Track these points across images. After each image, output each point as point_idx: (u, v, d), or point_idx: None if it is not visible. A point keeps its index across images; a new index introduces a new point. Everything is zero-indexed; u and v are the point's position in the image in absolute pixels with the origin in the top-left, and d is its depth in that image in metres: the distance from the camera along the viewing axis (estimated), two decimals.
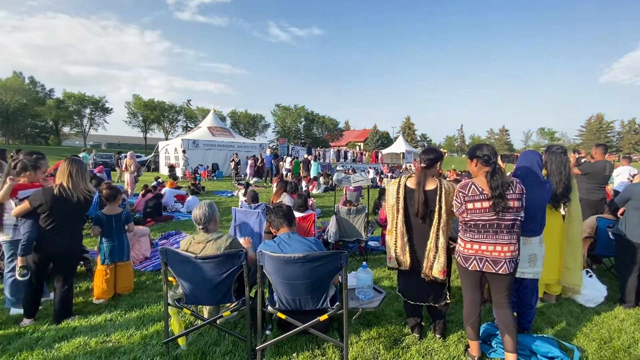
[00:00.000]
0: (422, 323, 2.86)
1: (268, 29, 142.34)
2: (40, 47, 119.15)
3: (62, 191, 2.89)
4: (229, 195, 12.12)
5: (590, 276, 3.60)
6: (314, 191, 13.10)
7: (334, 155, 26.31)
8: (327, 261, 2.25)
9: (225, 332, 2.74)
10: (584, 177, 4.98)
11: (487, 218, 2.25)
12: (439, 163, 2.64)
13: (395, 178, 2.83)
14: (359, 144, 60.87)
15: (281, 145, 26.43)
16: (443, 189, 2.50)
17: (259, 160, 17.84)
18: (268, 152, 20.14)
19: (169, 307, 2.55)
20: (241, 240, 2.95)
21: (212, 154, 19.85)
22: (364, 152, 32.47)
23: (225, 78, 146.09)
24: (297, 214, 4.40)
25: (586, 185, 4.93)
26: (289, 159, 19.73)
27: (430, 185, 2.55)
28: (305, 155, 20.35)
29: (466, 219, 2.32)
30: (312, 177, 14.78)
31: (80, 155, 16.47)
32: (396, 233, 2.64)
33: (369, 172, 19.54)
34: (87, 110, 52.72)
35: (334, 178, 5.77)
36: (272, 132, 58.62)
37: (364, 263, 3.16)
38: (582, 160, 5.40)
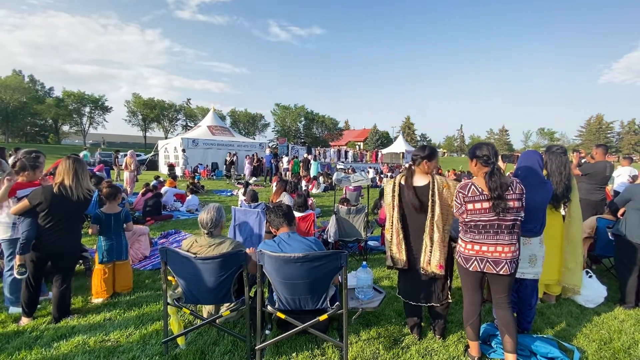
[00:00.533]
0: (422, 323, 2.86)
1: (268, 28, 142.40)
2: (40, 45, 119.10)
3: (63, 190, 2.88)
4: (229, 194, 12.12)
5: (590, 277, 3.60)
6: (314, 191, 13.09)
7: (334, 155, 26.30)
8: (326, 261, 2.24)
9: (224, 332, 2.73)
10: (584, 178, 4.98)
11: (487, 219, 2.24)
12: (431, 159, 2.58)
13: (393, 178, 2.84)
14: (358, 143, 60.87)
15: (281, 145, 26.42)
16: (436, 184, 2.51)
17: (254, 160, 17.79)
18: (267, 151, 20.13)
19: (168, 306, 2.54)
20: (248, 251, 2.93)
21: (211, 153, 19.84)
22: (365, 152, 32.45)
23: (225, 77, 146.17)
24: (297, 214, 4.40)
25: (586, 186, 4.93)
26: (286, 158, 19.72)
27: (421, 181, 2.57)
28: (305, 155, 20.34)
29: (466, 219, 2.32)
30: (311, 176, 14.77)
31: (82, 154, 16.45)
32: (392, 230, 2.67)
33: (368, 172, 19.52)
34: (87, 109, 52.77)
35: (334, 178, 5.77)
36: (272, 131, 58.68)
37: (364, 263, 3.16)
38: (583, 161, 5.40)
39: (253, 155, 18.51)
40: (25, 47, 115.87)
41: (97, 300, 3.41)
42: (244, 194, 7.10)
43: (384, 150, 35.15)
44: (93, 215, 3.57)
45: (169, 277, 2.58)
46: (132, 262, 4.26)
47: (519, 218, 2.25)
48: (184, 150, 17.60)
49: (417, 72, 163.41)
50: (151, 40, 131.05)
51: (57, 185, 2.88)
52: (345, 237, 4.94)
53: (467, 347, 2.58)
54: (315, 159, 17.51)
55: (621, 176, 6.95)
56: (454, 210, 2.41)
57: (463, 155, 71.69)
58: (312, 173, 15.58)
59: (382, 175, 18.54)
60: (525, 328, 2.90)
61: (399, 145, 34.53)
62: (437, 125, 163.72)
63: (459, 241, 2.43)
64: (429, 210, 2.51)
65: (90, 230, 3.56)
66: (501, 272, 2.24)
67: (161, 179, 10.24)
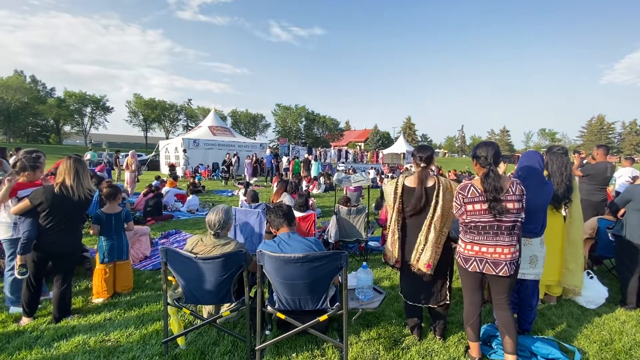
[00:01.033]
0: (422, 324, 2.85)
1: (269, 28, 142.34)
2: (42, 46, 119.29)
3: (64, 190, 2.88)
4: (229, 194, 12.13)
5: (591, 277, 3.59)
6: (315, 191, 13.09)
7: (334, 155, 26.30)
8: (327, 261, 2.24)
9: (224, 332, 2.73)
10: (585, 178, 4.97)
11: (486, 220, 2.24)
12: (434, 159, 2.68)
13: (394, 178, 2.84)
14: (359, 144, 60.83)
15: (282, 145, 26.44)
16: (441, 186, 2.52)
17: (254, 160, 17.77)
18: (268, 151, 20.14)
19: (169, 306, 2.54)
20: None
21: (212, 153, 19.86)
22: (365, 152, 32.43)
23: (226, 78, 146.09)
24: (297, 214, 4.40)
25: (587, 187, 4.92)
26: (286, 158, 19.72)
27: (429, 183, 2.57)
28: (306, 155, 20.35)
29: (466, 220, 2.31)
30: (312, 176, 14.78)
31: (88, 154, 16.49)
32: (391, 230, 2.69)
33: (369, 173, 19.52)
34: (88, 109, 52.85)
35: (335, 178, 5.76)
36: (273, 131, 58.65)
37: (364, 263, 3.15)
38: (584, 162, 5.39)
39: (252, 155, 18.52)
40: (27, 47, 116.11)
41: (97, 300, 3.41)
42: (244, 194, 7.11)
43: (385, 151, 35.15)
44: (94, 215, 3.57)
45: (169, 277, 2.58)
46: (132, 262, 4.27)
47: (519, 219, 2.24)
48: (185, 151, 17.62)
49: (419, 73, 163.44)
50: (152, 41, 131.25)
51: (58, 185, 2.88)
52: (345, 238, 4.94)
53: (467, 348, 2.58)
54: (316, 160, 17.52)
55: (622, 177, 6.93)
56: (454, 211, 2.41)
57: (464, 156, 71.63)
58: (313, 173, 15.58)
59: (382, 176, 18.53)
60: (525, 329, 2.89)
61: (400, 146, 34.57)
62: (438, 125, 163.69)
63: (459, 242, 2.43)
64: (431, 210, 2.51)
65: (91, 231, 3.56)
66: (500, 274, 2.24)
67: (163, 179, 10.26)
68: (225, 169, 16.40)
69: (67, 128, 54.58)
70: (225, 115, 55.96)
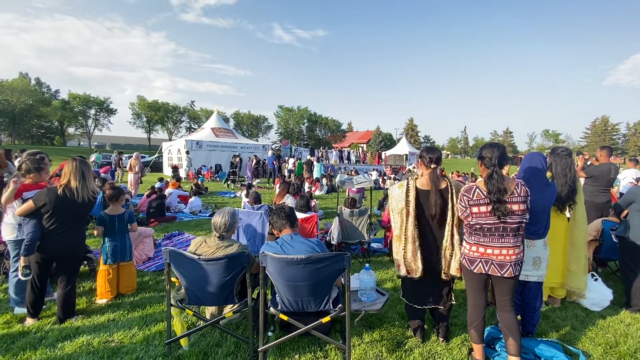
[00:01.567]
0: (425, 326, 2.84)
1: (272, 30, 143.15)
2: (47, 48, 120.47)
3: (68, 191, 2.90)
4: (232, 196, 12.15)
5: (596, 279, 3.56)
6: (317, 192, 13.09)
7: (336, 157, 26.29)
8: (329, 263, 2.24)
9: (227, 333, 2.74)
10: (589, 180, 4.94)
11: (492, 222, 2.23)
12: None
13: (398, 180, 2.82)
14: (361, 145, 60.81)
15: (284, 147, 26.47)
16: (453, 187, 2.51)
17: (254, 162, 17.77)
18: (270, 153, 20.16)
19: (172, 307, 2.55)
20: None
21: (215, 154, 19.92)
22: (367, 153, 32.39)
23: (229, 79, 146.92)
24: (300, 215, 4.40)
25: (591, 188, 4.89)
26: (292, 160, 19.73)
27: (441, 185, 2.54)
28: (308, 157, 20.37)
29: (471, 222, 2.30)
30: (314, 178, 14.78)
31: (93, 156, 16.58)
32: (406, 238, 2.58)
33: (371, 174, 19.51)
34: (92, 111, 53.22)
35: (337, 179, 5.77)
36: (275, 133, 58.78)
37: (367, 265, 3.15)
38: (588, 163, 5.36)
39: (252, 157, 18.53)
40: (32, 50, 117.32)
41: (101, 301, 3.43)
42: (246, 196, 7.13)
43: (388, 152, 35.09)
44: (97, 216, 3.59)
45: (173, 279, 2.59)
46: (136, 263, 4.28)
47: (524, 220, 2.23)
48: (187, 152, 17.69)
49: (421, 74, 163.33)
50: (156, 43, 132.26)
51: (62, 187, 2.90)
52: (348, 239, 4.94)
53: (470, 350, 2.57)
54: (318, 161, 17.53)
55: (626, 178, 6.89)
56: (459, 214, 2.40)
57: (467, 157, 71.41)
58: (315, 175, 15.59)
59: (385, 177, 18.50)
60: (529, 331, 2.87)
61: (403, 147, 34.47)
62: (440, 127, 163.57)
63: (464, 243, 2.42)
64: (450, 213, 2.48)
65: (95, 232, 3.58)
66: (505, 275, 2.23)
67: (167, 180, 10.30)
68: (234, 171, 16.30)
69: (71, 130, 55.00)
70: (227, 117, 56.16)
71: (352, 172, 17.30)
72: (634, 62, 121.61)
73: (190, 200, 9.00)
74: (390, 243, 5.00)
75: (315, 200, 8.53)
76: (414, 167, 24.28)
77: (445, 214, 2.51)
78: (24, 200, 2.94)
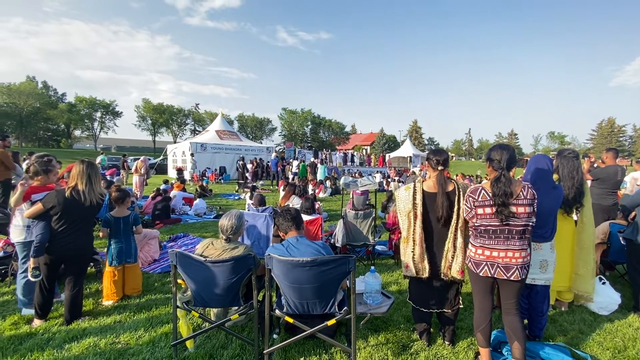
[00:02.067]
0: (431, 329, 2.83)
1: (276, 33, 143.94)
2: (54, 52, 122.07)
3: (75, 194, 2.93)
4: (236, 198, 12.20)
5: (604, 283, 3.52)
6: (321, 194, 13.09)
7: (340, 159, 26.30)
8: (335, 265, 2.24)
9: (233, 336, 2.74)
10: (595, 182, 4.90)
11: (497, 223, 2.22)
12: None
13: (402, 182, 2.82)
14: (365, 147, 60.74)
15: (288, 149, 26.54)
16: (461, 190, 2.50)
17: (255, 165, 17.78)
18: (273, 155, 20.21)
19: (178, 309, 2.56)
20: None
21: (219, 157, 20.03)
22: (371, 155, 32.33)
23: (233, 82, 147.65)
24: (305, 217, 4.40)
25: (597, 190, 4.85)
26: (296, 163, 19.76)
27: (448, 187, 2.54)
28: (312, 159, 20.39)
29: (476, 224, 2.29)
30: (318, 180, 14.79)
31: (99, 158, 16.72)
32: (414, 240, 2.59)
33: (375, 176, 19.48)
34: (98, 114, 53.79)
35: (341, 182, 5.76)
36: (279, 135, 58.92)
37: (372, 268, 3.14)
38: (595, 166, 5.32)
39: (253, 160, 18.54)
40: (40, 53, 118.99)
41: (107, 302, 3.46)
42: (250, 198, 7.15)
43: (392, 154, 35.03)
44: (103, 218, 3.63)
45: (179, 281, 2.60)
46: (141, 265, 4.31)
47: (530, 223, 2.21)
48: (192, 155, 17.79)
49: (425, 76, 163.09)
50: (161, 46, 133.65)
51: (69, 190, 2.94)
52: (352, 242, 4.93)
53: (477, 354, 2.55)
54: (322, 163, 17.54)
55: (638, 180, 6.81)
56: (464, 215, 2.39)
57: (472, 159, 71.05)
58: (319, 177, 15.60)
59: (389, 179, 18.46)
60: (536, 335, 2.85)
61: (407, 149, 34.41)
62: (445, 129, 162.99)
63: (470, 246, 2.40)
64: (455, 215, 2.48)
65: (100, 234, 3.61)
66: (512, 278, 2.21)
67: (172, 182, 10.36)
68: (242, 174, 16.18)
69: (77, 132, 55.60)
70: (232, 119, 56.44)
71: (356, 175, 17.29)
72: None
73: (194, 202, 9.05)
74: (395, 246, 4.99)
75: (319, 202, 8.53)
76: (420, 170, 24.19)
77: (452, 217, 2.50)
78: (33, 203, 2.97)
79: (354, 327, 2.32)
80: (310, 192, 11.92)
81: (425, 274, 2.58)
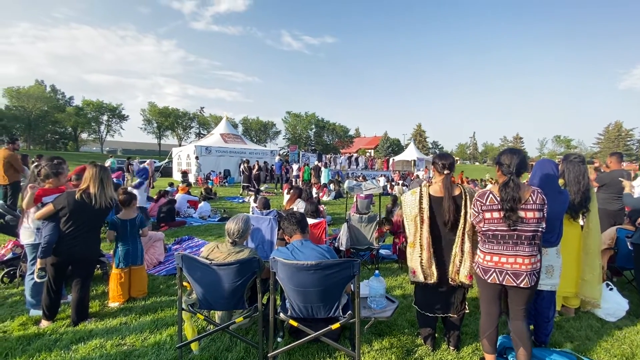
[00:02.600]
0: (436, 334, 2.82)
1: (281, 37, 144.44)
2: (62, 56, 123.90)
3: (85, 197, 2.97)
4: (240, 201, 12.25)
5: (611, 289, 3.48)
6: (324, 198, 13.10)
7: (344, 162, 26.30)
8: (339, 269, 2.25)
9: (237, 338, 2.76)
10: (601, 187, 4.86)
11: (505, 228, 2.19)
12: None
13: (406, 185, 2.82)
14: (369, 151, 60.72)
15: (292, 152, 26.62)
16: (467, 194, 2.50)
17: (256, 168, 17.77)
18: (277, 158, 20.28)
19: (183, 311, 2.58)
20: None
21: (224, 160, 20.15)
22: (375, 159, 32.29)
23: (238, 86, 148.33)
24: (309, 221, 4.41)
25: (603, 195, 4.80)
26: (296, 166, 19.78)
27: (455, 191, 2.54)
28: (316, 162, 20.42)
29: (483, 228, 2.28)
30: (322, 183, 14.81)
31: (109, 161, 16.88)
32: (421, 245, 2.58)
33: (379, 180, 19.46)
34: (105, 117, 54.50)
35: (345, 185, 5.77)
36: (283, 139, 59.16)
37: (377, 272, 3.14)
38: (601, 170, 5.28)
39: (255, 163, 18.57)
40: (48, 58, 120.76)
41: (113, 304, 3.49)
42: (254, 201, 7.18)
43: (396, 158, 34.96)
44: (110, 221, 3.67)
45: (184, 283, 2.62)
46: (147, 267, 4.34)
47: (540, 229, 2.19)
48: (197, 158, 17.92)
49: (429, 79, 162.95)
50: (166, 51, 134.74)
51: (80, 192, 2.98)
52: (357, 246, 4.93)
53: (482, 359, 2.53)
54: (326, 166, 17.57)
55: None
56: (471, 219, 2.39)
57: (476, 163, 70.66)
58: (323, 180, 15.62)
59: (393, 183, 18.43)
60: (542, 341, 2.82)
61: (411, 153, 34.29)
62: (449, 132, 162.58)
63: (478, 252, 2.39)
64: (462, 220, 2.48)
65: (107, 237, 3.65)
66: (522, 285, 2.18)
67: (177, 185, 10.44)
68: (249, 177, 16.03)
69: (84, 135, 56.33)
70: (236, 122, 56.78)
71: (360, 178, 17.28)
72: None
73: (199, 205, 9.10)
74: (399, 250, 4.98)
75: (323, 205, 8.54)
76: (424, 174, 24.07)
77: (459, 221, 2.50)
78: (43, 205, 3.02)
79: (358, 331, 2.32)
80: (314, 195, 11.94)
81: (434, 279, 2.55)
